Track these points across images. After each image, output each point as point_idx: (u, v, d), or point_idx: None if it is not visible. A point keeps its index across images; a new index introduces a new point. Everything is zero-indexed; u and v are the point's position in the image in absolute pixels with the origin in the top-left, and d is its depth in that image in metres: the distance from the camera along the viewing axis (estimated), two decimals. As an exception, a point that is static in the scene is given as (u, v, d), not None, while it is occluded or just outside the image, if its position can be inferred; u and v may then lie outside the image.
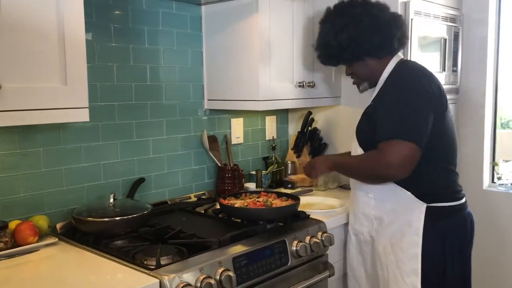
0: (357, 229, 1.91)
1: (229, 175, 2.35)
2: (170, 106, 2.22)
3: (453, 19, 2.64)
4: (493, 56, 2.78)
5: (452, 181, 1.79)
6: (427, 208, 1.70)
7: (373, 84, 1.86)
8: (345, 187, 2.55)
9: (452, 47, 2.64)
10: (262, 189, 2.34)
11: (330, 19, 1.88)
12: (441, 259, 1.71)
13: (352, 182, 1.92)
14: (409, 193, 1.72)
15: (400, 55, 1.86)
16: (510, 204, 2.65)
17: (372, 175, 1.72)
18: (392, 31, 1.78)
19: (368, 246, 1.88)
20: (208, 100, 2.35)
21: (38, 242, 1.65)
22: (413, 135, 1.60)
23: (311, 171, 1.95)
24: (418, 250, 1.69)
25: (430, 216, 1.69)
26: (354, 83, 1.94)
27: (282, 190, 2.45)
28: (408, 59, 2.05)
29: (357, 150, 1.82)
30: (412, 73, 1.74)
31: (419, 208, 1.70)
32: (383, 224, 1.79)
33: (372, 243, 1.85)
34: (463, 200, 1.79)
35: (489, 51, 2.73)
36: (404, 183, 1.71)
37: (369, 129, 1.74)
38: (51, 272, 1.49)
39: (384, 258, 1.77)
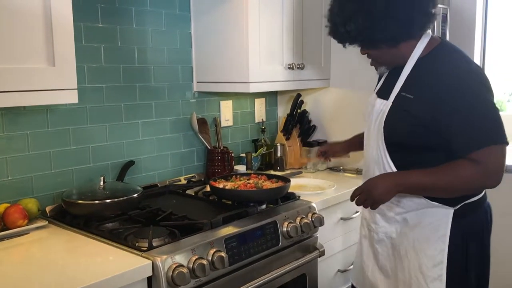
0: (371, 226, 1.71)
1: (219, 157, 2.34)
2: (159, 89, 2.20)
3: (441, 0, 2.64)
4: (480, 37, 2.80)
5: None
6: (454, 211, 1.54)
7: (391, 67, 1.62)
8: (334, 169, 2.58)
9: (440, 28, 2.65)
10: (252, 171, 2.35)
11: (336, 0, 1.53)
12: (464, 260, 1.57)
13: (364, 179, 1.65)
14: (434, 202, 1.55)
15: (429, 31, 1.57)
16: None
17: (470, 189, 1.50)
18: (413, 15, 1.46)
19: (382, 245, 1.69)
20: (197, 82, 2.33)
21: (28, 225, 1.64)
22: (501, 135, 1.42)
23: (373, 204, 1.53)
24: (444, 256, 1.55)
25: (454, 215, 1.54)
26: (371, 65, 1.65)
27: (272, 172, 2.46)
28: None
29: (380, 151, 1.58)
30: (468, 61, 1.52)
31: (445, 213, 1.54)
32: (407, 227, 1.61)
33: (389, 244, 1.67)
34: (484, 191, 1.62)
35: (476, 33, 2.75)
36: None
37: (418, 131, 1.48)
38: (42, 255, 1.48)
39: (407, 262, 1.61)
